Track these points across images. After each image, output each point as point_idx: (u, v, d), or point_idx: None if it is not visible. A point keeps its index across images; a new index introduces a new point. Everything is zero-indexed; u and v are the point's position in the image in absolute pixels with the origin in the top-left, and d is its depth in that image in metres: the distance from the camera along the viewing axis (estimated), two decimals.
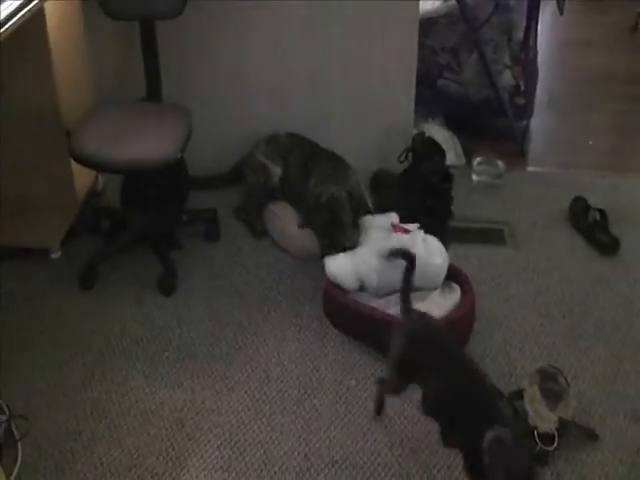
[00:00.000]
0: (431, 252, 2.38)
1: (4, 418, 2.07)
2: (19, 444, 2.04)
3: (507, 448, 1.73)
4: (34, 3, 2.27)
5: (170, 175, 2.69)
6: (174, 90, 2.77)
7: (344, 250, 2.47)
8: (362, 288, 2.41)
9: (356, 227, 2.57)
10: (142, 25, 2.61)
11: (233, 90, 2.96)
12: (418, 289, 2.36)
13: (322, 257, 2.55)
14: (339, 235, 2.55)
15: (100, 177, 2.98)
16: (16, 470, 1.98)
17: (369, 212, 2.65)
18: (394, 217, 2.52)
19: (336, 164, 2.72)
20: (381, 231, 2.47)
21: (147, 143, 2.43)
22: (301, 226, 2.70)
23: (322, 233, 2.61)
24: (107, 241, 2.74)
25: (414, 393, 2.01)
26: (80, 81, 2.82)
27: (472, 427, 1.78)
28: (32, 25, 2.33)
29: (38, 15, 2.36)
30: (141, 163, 2.39)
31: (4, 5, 2.17)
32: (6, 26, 2.12)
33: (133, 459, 2.02)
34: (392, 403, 2.15)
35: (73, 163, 2.51)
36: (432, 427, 2.06)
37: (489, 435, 1.74)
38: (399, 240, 2.38)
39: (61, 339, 2.39)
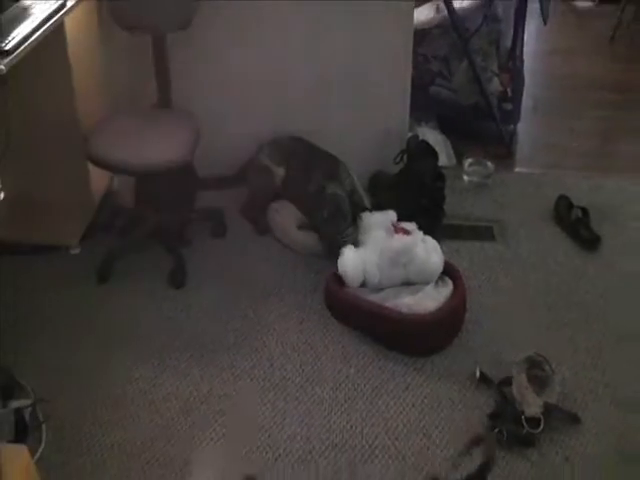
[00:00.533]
0: (430, 252, 2.37)
1: (30, 402, 2.08)
2: (43, 426, 2.05)
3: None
4: (55, 18, 2.27)
5: (180, 177, 2.68)
6: (183, 97, 2.76)
7: (342, 246, 2.45)
8: (363, 283, 2.40)
9: (354, 224, 2.56)
10: (154, 38, 2.62)
11: (238, 97, 2.94)
12: (414, 284, 2.37)
13: (325, 254, 2.53)
14: (340, 231, 2.52)
15: (115, 179, 2.97)
16: (40, 450, 1.98)
17: (367, 210, 2.63)
18: (392, 215, 2.50)
19: (334, 165, 2.70)
20: (382, 229, 2.45)
21: (158, 147, 2.43)
22: (301, 227, 2.68)
23: (323, 231, 2.59)
24: (122, 238, 2.73)
25: (410, 379, 1.99)
26: (96, 90, 2.82)
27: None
28: (54, 38, 2.33)
29: (59, 29, 2.38)
30: (153, 166, 2.38)
31: (29, 20, 2.18)
32: (30, 40, 2.13)
33: (146, 442, 2.02)
34: (389, 390, 2.14)
35: (90, 165, 2.51)
36: (427, 413, 2.07)
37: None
38: (402, 241, 2.36)
39: (80, 329, 2.38)
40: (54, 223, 2.72)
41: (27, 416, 2.04)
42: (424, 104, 3.31)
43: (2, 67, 1.98)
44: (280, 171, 2.79)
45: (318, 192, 2.59)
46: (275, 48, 2.84)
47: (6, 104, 2.09)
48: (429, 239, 2.44)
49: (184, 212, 2.79)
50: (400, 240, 2.36)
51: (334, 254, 2.45)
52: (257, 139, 2.89)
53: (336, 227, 2.53)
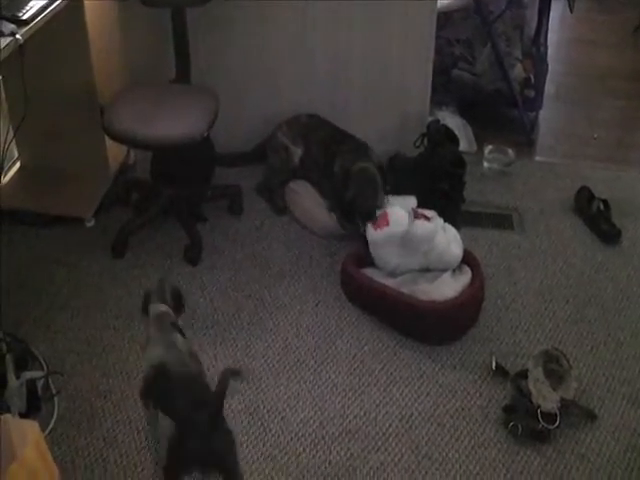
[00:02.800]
0: (450, 240, 2.30)
1: (42, 374, 2.05)
2: (55, 399, 2.02)
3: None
4: None
5: (197, 152, 2.61)
6: (202, 73, 2.70)
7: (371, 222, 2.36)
8: (377, 266, 2.34)
9: (383, 200, 2.46)
10: (173, 12, 2.53)
11: (258, 74, 2.88)
12: (432, 270, 2.31)
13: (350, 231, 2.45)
14: (371, 205, 2.41)
15: (131, 152, 2.91)
16: (52, 422, 1.96)
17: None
18: (413, 201, 2.43)
19: (358, 144, 2.64)
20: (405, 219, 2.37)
21: (176, 122, 2.37)
22: (331, 210, 2.60)
23: (348, 210, 2.49)
24: (137, 212, 2.68)
25: (425, 367, 1.94)
26: (114, 63, 2.78)
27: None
28: (72, 9, 2.29)
29: (77, 1, 2.32)
30: (170, 140, 2.32)
31: None
32: (48, 10, 2.09)
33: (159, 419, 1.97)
34: (404, 377, 2.09)
35: (107, 138, 2.45)
36: (441, 402, 2.02)
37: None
38: (424, 228, 2.30)
39: (94, 303, 2.33)
40: (69, 195, 2.69)
41: (39, 388, 2.01)
42: (445, 88, 3.24)
43: (19, 37, 1.96)
44: (298, 151, 2.72)
45: (345, 171, 2.51)
46: (295, 27, 2.78)
47: (23, 74, 2.05)
48: (449, 227, 2.38)
49: (200, 188, 2.73)
50: (422, 227, 2.29)
51: (358, 231, 2.38)
52: (276, 117, 2.83)
53: (368, 201, 2.41)
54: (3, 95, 2.63)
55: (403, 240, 2.29)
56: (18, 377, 1.97)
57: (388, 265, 2.32)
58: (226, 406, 1.96)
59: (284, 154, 2.74)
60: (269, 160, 2.81)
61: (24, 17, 2.01)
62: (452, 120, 3.12)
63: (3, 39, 1.91)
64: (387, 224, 2.32)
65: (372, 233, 2.34)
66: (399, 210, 2.36)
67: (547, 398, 1.95)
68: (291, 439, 1.93)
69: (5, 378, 1.95)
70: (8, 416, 1.50)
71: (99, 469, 1.85)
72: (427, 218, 2.35)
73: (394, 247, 2.31)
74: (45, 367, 2.10)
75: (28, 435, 1.48)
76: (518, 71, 3.27)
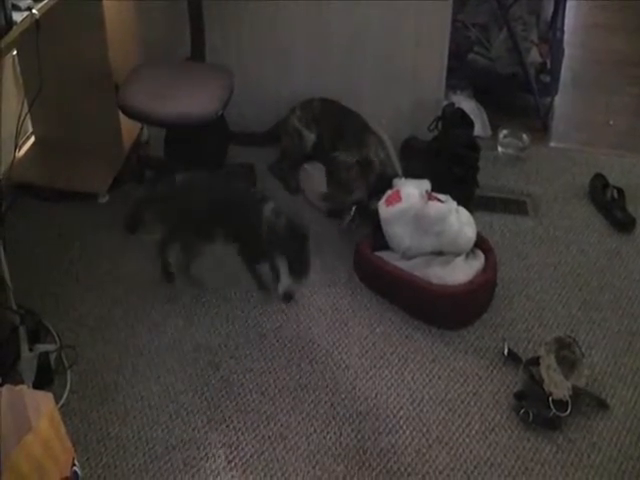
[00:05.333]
0: (463, 223, 2.25)
1: (55, 347, 2.04)
2: (68, 372, 2.00)
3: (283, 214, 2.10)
4: None
5: (211, 130, 2.56)
6: (217, 51, 2.65)
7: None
8: (390, 247, 2.30)
9: (359, 189, 2.44)
10: None
11: (274, 54, 2.83)
12: (445, 254, 2.27)
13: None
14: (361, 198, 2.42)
15: (145, 129, 2.87)
16: (65, 396, 1.94)
17: (396, 176, 2.50)
18: (427, 184, 2.38)
19: (365, 135, 2.56)
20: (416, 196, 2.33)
21: (190, 100, 2.33)
22: (326, 198, 2.56)
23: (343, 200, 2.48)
24: (150, 190, 2.63)
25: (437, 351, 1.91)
26: (130, 40, 2.73)
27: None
28: None
29: None
30: (184, 118, 2.29)
31: None
32: None
33: (170, 395, 1.96)
34: (416, 361, 2.06)
35: (121, 115, 2.42)
36: (453, 386, 1.99)
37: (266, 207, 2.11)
38: (436, 208, 2.25)
39: (107, 278, 2.31)
40: (83, 170, 2.65)
41: (52, 361, 1.99)
42: (460, 72, 3.16)
43: (35, 12, 1.93)
44: (312, 136, 2.68)
45: (343, 162, 2.47)
46: (311, 9, 2.71)
47: (38, 49, 2.00)
48: (462, 210, 2.32)
49: (213, 166, 2.69)
50: (435, 207, 2.24)
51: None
52: (290, 98, 2.78)
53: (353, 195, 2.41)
54: (18, 70, 2.60)
55: (416, 220, 2.24)
56: (31, 350, 1.96)
57: (401, 245, 2.27)
58: (238, 384, 1.98)
59: (297, 139, 2.69)
60: (282, 143, 2.76)
61: None
62: (467, 104, 3.05)
63: (19, 14, 1.88)
64: (399, 200, 2.28)
65: (384, 210, 2.29)
66: (411, 188, 2.31)
67: (559, 385, 1.91)
68: (302, 419, 1.90)
69: (18, 350, 1.93)
70: (23, 387, 1.48)
71: (111, 443, 1.84)
72: (440, 202, 2.30)
73: (407, 226, 2.26)
74: (58, 340, 2.08)
75: (42, 407, 1.45)
76: (534, 56, 3.21)
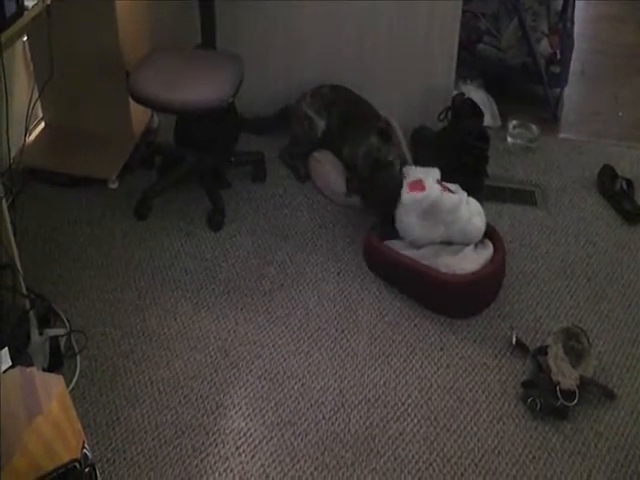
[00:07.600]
0: (473, 214, 2.24)
1: (65, 331, 2.03)
2: (78, 357, 2.00)
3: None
4: None
5: (221, 118, 2.54)
6: (228, 38, 2.62)
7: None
8: (400, 236, 2.28)
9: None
10: None
11: (284, 41, 2.80)
12: (454, 244, 2.25)
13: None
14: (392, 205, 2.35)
15: (155, 116, 2.85)
16: (74, 380, 1.94)
17: (405, 164, 2.48)
18: (436, 173, 2.36)
19: (367, 126, 2.51)
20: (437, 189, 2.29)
21: (201, 87, 2.31)
22: (348, 194, 2.53)
23: (377, 206, 2.42)
24: (160, 176, 2.62)
25: (445, 339, 1.89)
26: (140, 27, 2.71)
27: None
28: None
29: None
30: (194, 105, 2.27)
31: None
32: None
33: (180, 381, 1.96)
34: (424, 349, 2.05)
35: (131, 102, 2.39)
36: (461, 375, 1.98)
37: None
38: (450, 198, 2.23)
39: (117, 264, 2.30)
40: (93, 156, 2.63)
41: (62, 345, 1.99)
42: (470, 62, 3.14)
43: None
44: (322, 123, 2.65)
45: (369, 158, 2.42)
46: None
47: (49, 35, 1.98)
48: (472, 201, 2.31)
49: (224, 154, 2.67)
50: (449, 198, 2.22)
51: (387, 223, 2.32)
52: (300, 86, 2.76)
53: (388, 204, 2.34)
54: (29, 55, 2.58)
55: (428, 211, 2.22)
56: (41, 334, 1.95)
57: (411, 233, 2.25)
58: (247, 370, 1.97)
59: (307, 126, 2.67)
60: (293, 130, 2.74)
61: None
62: (477, 94, 3.03)
63: None
64: (423, 189, 2.25)
65: (406, 196, 2.26)
66: (430, 179, 2.30)
67: (566, 375, 1.90)
68: (311, 406, 1.90)
69: (28, 334, 1.93)
70: (34, 369, 1.47)
71: (120, 427, 1.83)
72: (451, 191, 2.28)
73: (418, 216, 2.25)
74: (68, 325, 2.08)
75: (53, 389, 1.45)
76: (544, 46, 3.16)
